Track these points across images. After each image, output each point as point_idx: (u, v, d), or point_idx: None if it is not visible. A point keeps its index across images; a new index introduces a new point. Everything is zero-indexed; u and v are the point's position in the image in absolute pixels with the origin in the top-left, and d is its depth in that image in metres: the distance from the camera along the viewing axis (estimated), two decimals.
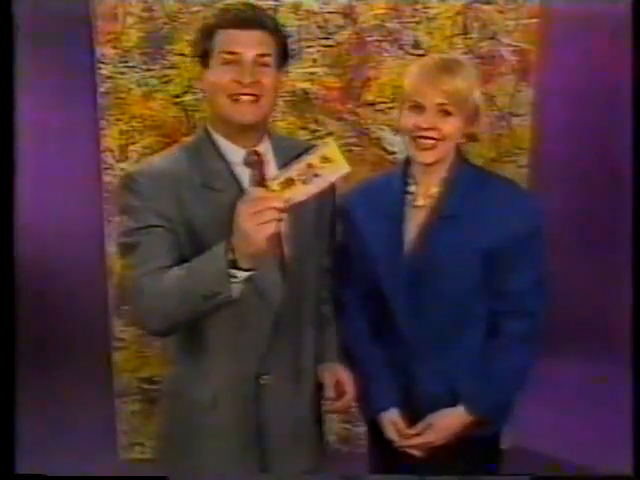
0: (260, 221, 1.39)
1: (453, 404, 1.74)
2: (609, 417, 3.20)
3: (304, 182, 1.43)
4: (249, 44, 1.60)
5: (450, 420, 1.73)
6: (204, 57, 1.65)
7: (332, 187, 1.84)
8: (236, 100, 1.62)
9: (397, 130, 1.77)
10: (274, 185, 1.43)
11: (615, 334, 3.46)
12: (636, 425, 2.26)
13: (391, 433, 1.78)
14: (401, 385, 1.79)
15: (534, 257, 1.74)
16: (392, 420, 1.78)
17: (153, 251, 1.60)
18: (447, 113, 1.66)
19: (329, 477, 1.91)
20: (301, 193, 1.43)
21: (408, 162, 1.78)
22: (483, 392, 1.73)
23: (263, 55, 1.62)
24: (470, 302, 1.73)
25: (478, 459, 1.81)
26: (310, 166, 1.43)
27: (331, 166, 1.43)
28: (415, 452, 1.76)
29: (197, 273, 1.51)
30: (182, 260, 1.60)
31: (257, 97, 1.62)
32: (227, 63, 1.60)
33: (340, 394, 1.80)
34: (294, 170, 1.43)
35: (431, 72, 1.67)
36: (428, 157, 1.70)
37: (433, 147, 1.68)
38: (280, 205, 1.40)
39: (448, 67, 1.67)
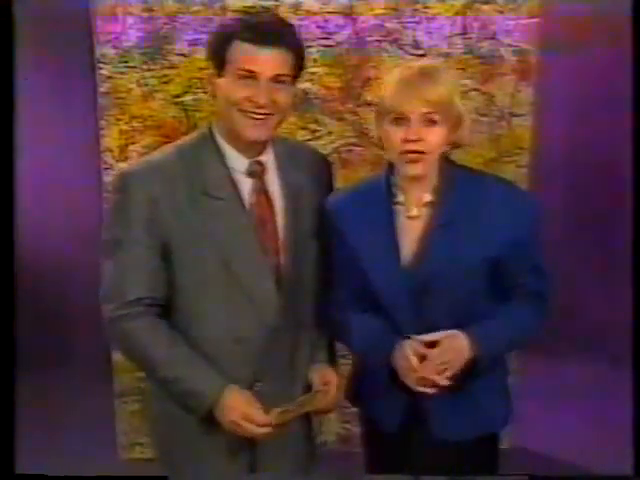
0: (241, 430, 1.61)
1: (456, 415, 1.74)
2: (609, 417, 3.20)
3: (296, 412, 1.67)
4: (267, 64, 1.57)
5: (451, 339, 1.65)
6: (218, 63, 1.61)
7: (330, 189, 1.84)
8: (248, 117, 1.60)
9: (378, 140, 1.71)
10: (274, 413, 1.62)
11: (615, 334, 3.46)
12: (636, 425, 2.26)
13: (408, 364, 1.66)
14: (405, 397, 1.76)
15: (535, 251, 1.75)
16: (409, 348, 1.67)
17: (130, 275, 1.63)
18: (432, 122, 1.62)
19: (328, 477, 1.91)
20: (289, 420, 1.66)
21: (390, 170, 1.74)
22: (483, 324, 1.69)
23: (280, 75, 1.59)
24: (475, 306, 1.73)
25: (478, 459, 1.81)
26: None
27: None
28: (430, 385, 1.66)
29: (174, 388, 1.65)
30: (162, 283, 1.65)
31: (270, 115, 1.61)
32: (243, 78, 1.57)
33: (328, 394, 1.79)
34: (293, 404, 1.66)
35: (412, 81, 1.61)
36: (416, 170, 1.65)
37: (421, 160, 1.63)
38: (264, 431, 1.62)
39: (428, 75, 1.62)
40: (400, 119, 1.62)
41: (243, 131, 1.62)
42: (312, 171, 1.78)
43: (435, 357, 1.64)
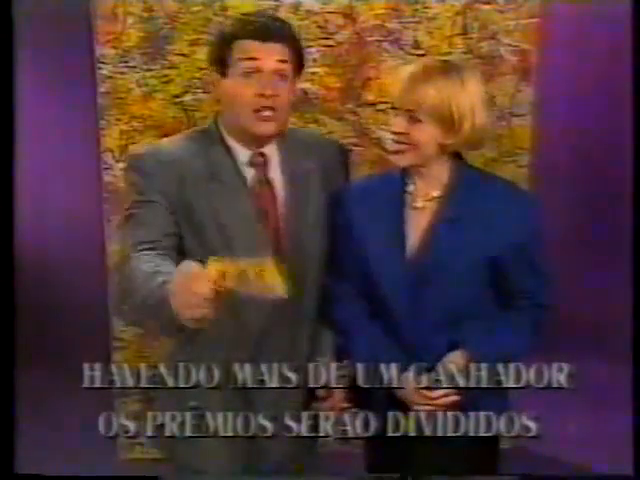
0: (187, 303, 1.36)
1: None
2: (609, 417, 3.20)
3: (238, 279, 1.37)
4: (269, 56, 1.62)
5: (450, 362, 1.70)
6: (221, 66, 1.65)
7: (345, 179, 1.85)
8: (257, 113, 1.64)
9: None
10: (214, 264, 1.38)
11: (615, 334, 3.45)
12: (636, 425, 2.26)
13: (412, 397, 1.71)
14: None
15: (538, 255, 1.77)
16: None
17: (143, 224, 1.62)
18: (416, 120, 1.66)
19: (328, 477, 1.91)
20: (232, 285, 1.37)
21: None
22: (482, 339, 1.72)
23: (282, 67, 1.64)
24: (473, 306, 1.74)
25: (478, 459, 1.81)
26: (244, 272, 1.37)
27: (264, 285, 1.37)
28: (434, 408, 1.70)
29: (151, 302, 1.46)
30: (174, 235, 1.62)
31: (276, 110, 1.65)
32: (248, 74, 1.62)
33: (329, 394, 1.80)
34: (232, 264, 1.37)
35: (410, 78, 1.66)
36: (399, 160, 1.70)
37: (404, 151, 1.68)
38: (206, 293, 1.35)
39: (429, 74, 1.65)
40: (394, 109, 1.69)
41: (252, 128, 1.65)
42: (323, 159, 1.80)
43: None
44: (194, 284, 1.36)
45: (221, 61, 1.66)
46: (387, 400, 1.74)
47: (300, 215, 1.74)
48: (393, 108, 1.69)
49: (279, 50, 1.63)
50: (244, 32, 1.62)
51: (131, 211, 1.66)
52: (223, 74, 1.66)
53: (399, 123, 1.67)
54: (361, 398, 1.78)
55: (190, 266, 1.40)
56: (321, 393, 1.77)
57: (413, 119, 1.66)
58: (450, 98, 1.64)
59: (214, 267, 1.38)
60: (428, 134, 1.67)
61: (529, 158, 2.87)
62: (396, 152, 1.70)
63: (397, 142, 1.69)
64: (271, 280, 1.37)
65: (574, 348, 3.74)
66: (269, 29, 1.62)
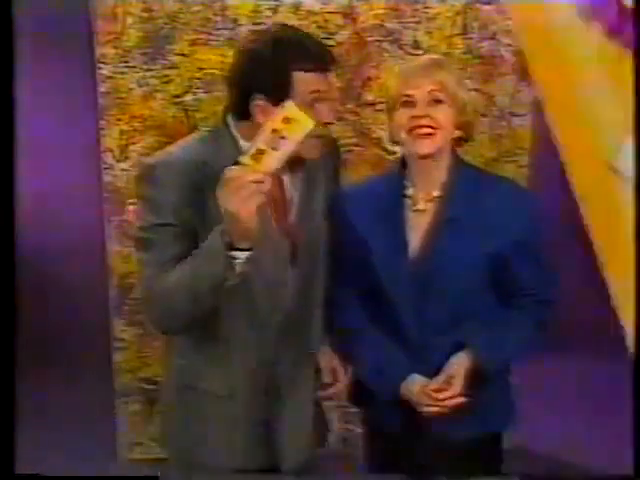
0: (241, 199, 1.42)
1: (458, 413, 1.74)
2: (609, 417, 3.20)
3: (274, 148, 1.45)
4: (330, 86, 1.66)
5: (456, 366, 1.72)
6: (278, 96, 1.61)
7: (338, 174, 1.87)
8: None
9: (390, 137, 1.79)
10: (246, 160, 1.45)
11: (615, 334, 3.46)
12: (636, 425, 2.25)
13: (419, 398, 1.73)
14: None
15: (539, 252, 1.78)
16: (419, 385, 1.73)
17: (166, 253, 1.62)
18: (438, 101, 1.67)
19: (329, 477, 1.92)
20: (274, 160, 1.45)
21: (404, 165, 1.78)
22: (486, 340, 1.73)
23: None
24: (476, 306, 1.74)
25: (480, 459, 1.82)
26: (275, 131, 1.45)
27: (295, 126, 1.45)
28: (441, 410, 1.72)
29: (198, 266, 1.54)
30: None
31: None
32: (312, 104, 1.62)
33: (334, 381, 1.82)
34: (261, 140, 1.45)
35: (417, 66, 1.71)
36: (426, 146, 1.69)
37: (430, 135, 1.68)
38: (256, 177, 1.43)
39: (434, 62, 1.72)
40: (407, 102, 1.68)
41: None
42: (324, 157, 1.81)
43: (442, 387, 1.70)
44: (244, 176, 1.42)
45: (276, 92, 1.61)
46: (393, 401, 1.75)
47: (311, 209, 1.75)
48: (407, 101, 1.68)
49: (332, 77, 1.66)
50: (301, 65, 1.60)
51: (149, 235, 1.64)
52: (275, 103, 1.60)
53: (420, 108, 1.67)
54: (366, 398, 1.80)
55: (231, 169, 1.44)
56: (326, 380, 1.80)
57: (434, 102, 1.67)
58: (458, 83, 1.71)
59: (249, 156, 1.44)
60: (449, 115, 1.69)
61: (529, 158, 2.87)
62: (423, 136, 1.68)
63: (421, 126, 1.67)
64: (297, 115, 1.45)
65: (574, 348, 3.76)
66: (328, 61, 1.64)
